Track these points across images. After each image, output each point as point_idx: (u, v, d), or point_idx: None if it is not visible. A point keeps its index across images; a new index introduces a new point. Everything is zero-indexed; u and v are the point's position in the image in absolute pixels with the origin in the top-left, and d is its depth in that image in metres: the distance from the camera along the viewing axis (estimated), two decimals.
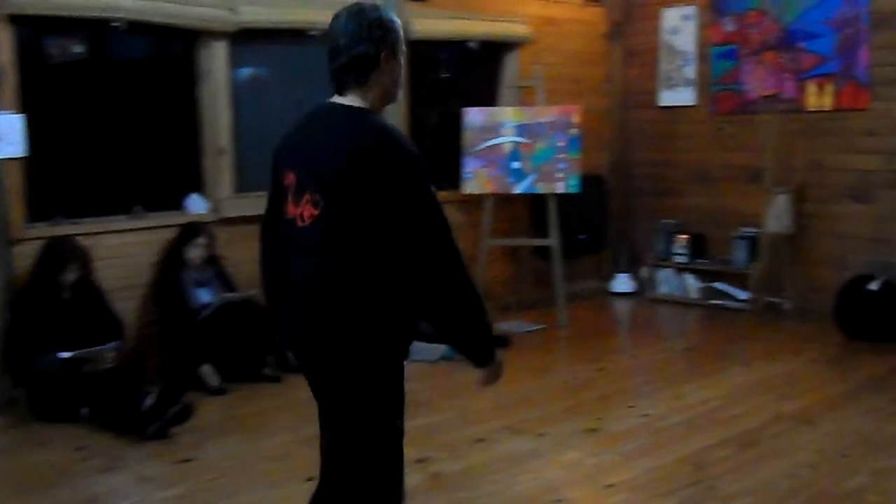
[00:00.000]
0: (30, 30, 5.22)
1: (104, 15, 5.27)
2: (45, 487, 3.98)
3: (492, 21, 7.15)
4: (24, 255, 5.08)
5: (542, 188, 6.81)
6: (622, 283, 8.05)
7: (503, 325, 6.60)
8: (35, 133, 5.10)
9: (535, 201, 7.23)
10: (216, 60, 5.82)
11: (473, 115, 6.91)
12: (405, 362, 2.45)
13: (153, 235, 5.59)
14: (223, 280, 5.64)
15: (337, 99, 2.43)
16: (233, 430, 4.70)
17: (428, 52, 7.04)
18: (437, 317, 2.35)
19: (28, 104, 5.13)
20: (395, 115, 6.33)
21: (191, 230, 5.57)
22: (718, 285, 7.51)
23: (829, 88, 6.76)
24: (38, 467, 4.23)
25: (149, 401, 4.62)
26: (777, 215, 6.86)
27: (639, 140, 8.16)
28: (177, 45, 5.88)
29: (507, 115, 6.91)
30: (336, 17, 2.40)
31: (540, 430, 4.60)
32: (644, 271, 7.97)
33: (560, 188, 6.79)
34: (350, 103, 2.40)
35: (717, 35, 7.49)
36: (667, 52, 7.88)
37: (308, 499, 2.59)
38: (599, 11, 8.00)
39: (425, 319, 2.37)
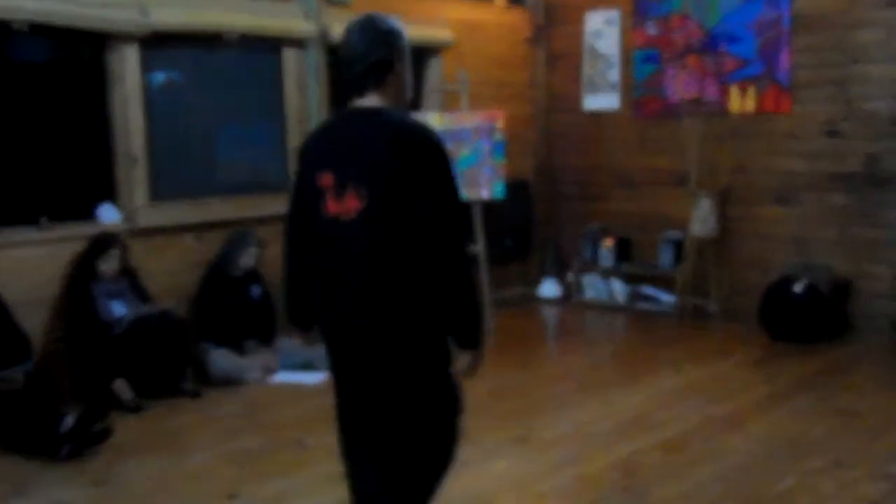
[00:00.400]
0: None
1: (3, 16, 5.02)
2: None
3: (414, 25, 7.03)
4: None
5: (467, 195, 6.73)
6: (549, 288, 8.02)
7: None
8: None
9: None
10: (127, 64, 5.59)
11: None
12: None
13: (62, 248, 5.33)
14: (138, 292, 5.44)
15: (358, 102, 2.69)
16: (150, 449, 4.51)
17: None
18: (445, 288, 2.58)
19: None
20: (317, 117, 6.21)
21: (103, 241, 5.34)
22: (645, 289, 7.52)
23: (752, 91, 6.81)
24: None
25: (68, 422, 4.38)
26: (702, 218, 6.88)
27: (564, 145, 8.14)
28: (86, 49, 5.64)
29: (430, 120, 6.81)
30: (349, 29, 2.70)
31: (469, 440, 4.49)
32: (571, 276, 7.94)
33: (485, 194, 6.74)
34: (372, 104, 2.67)
35: (640, 39, 7.50)
36: (590, 57, 7.87)
37: None
38: (523, 15, 7.97)
39: (435, 291, 2.60)
